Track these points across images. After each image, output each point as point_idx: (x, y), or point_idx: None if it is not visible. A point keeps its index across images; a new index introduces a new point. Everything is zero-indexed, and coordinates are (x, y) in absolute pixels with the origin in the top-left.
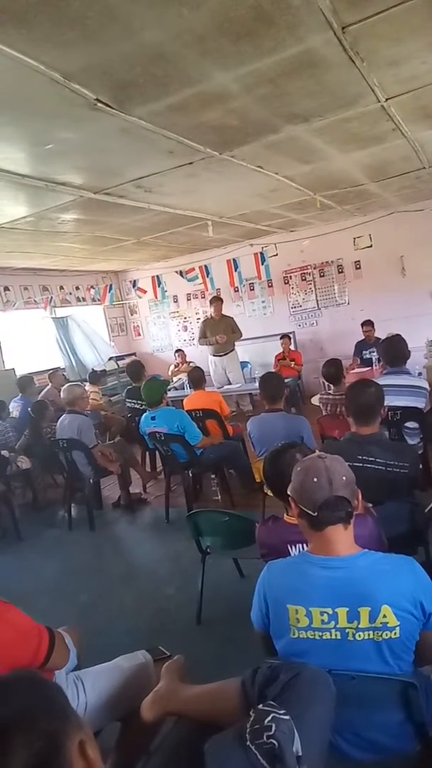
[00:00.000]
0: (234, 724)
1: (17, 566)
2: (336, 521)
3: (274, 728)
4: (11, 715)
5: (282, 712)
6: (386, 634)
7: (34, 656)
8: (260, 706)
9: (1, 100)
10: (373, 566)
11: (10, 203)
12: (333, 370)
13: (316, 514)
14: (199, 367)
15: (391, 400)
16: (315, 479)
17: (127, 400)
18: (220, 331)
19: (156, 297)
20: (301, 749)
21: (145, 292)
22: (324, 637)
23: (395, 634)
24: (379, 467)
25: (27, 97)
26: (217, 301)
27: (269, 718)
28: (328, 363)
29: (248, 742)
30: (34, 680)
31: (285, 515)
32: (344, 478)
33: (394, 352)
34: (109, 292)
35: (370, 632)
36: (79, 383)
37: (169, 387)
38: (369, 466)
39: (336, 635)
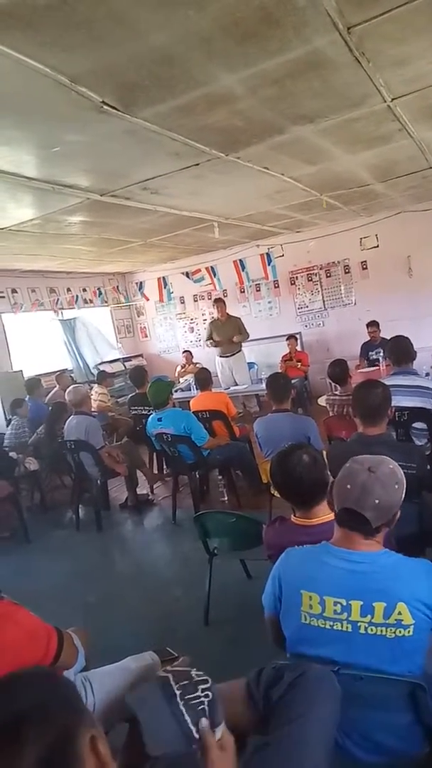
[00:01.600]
0: (240, 724)
1: (25, 567)
2: (353, 530)
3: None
4: (25, 708)
5: (199, 674)
6: (400, 632)
7: (43, 656)
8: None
9: (8, 104)
10: (395, 565)
11: (17, 206)
12: (338, 370)
13: (338, 512)
14: (205, 368)
15: (398, 401)
16: (348, 486)
17: (132, 408)
18: (227, 333)
19: (162, 300)
20: (307, 749)
21: (148, 299)
22: (335, 628)
23: (409, 632)
24: None
25: (34, 101)
26: (219, 302)
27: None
28: (333, 363)
29: (178, 698)
30: (48, 675)
31: (292, 516)
32: (377, 501)
33: (400, 351)
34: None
35: (383, 628)
36: (83, 384)
37: (175, 388)
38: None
39: (347, 627)
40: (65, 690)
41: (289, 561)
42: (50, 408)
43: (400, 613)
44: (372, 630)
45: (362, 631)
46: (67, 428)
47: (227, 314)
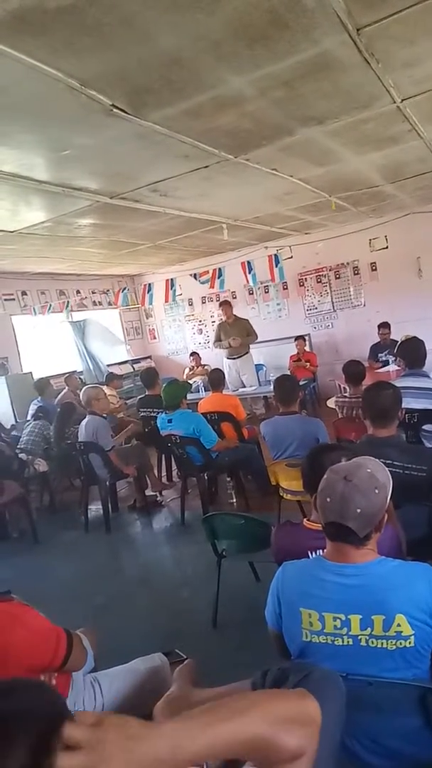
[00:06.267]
0: None
1: (35, 568)
2: (342, 542)
3: None
4: (15, 708)
5: None
6: (400, 643)
7: (53, 658)
8: None
9: (19, 108)
10: (388, 574)
11: (28, 209)
12: (356, 369)
13: (324, 526)
14: (218, 369)
15: (408, 403)
16: (328, 499)
17: (141, 409)
18: (235, 334)
19: (167, 300)
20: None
21: (143, 304)
22: (336, 643)
23: (410, 643)
24: (397, 470)
25: (44, 104)
26: (224, 305)
27: None
28: (351, 362)
29: None
30: (24, 681)
31: (305, 520)
32: (358, 510)
33: (414, 354)
34: (123, 293)
35: (384, 641)
36: (96, 385)
37: None
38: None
39: (348, 641)
40: (44, 687)
41: (286, 577)
42: (59, 409)
43: (399, 625)
44: (373, 642)
45: (363, 643)
46: (80, 429)
47: (234, 316)
